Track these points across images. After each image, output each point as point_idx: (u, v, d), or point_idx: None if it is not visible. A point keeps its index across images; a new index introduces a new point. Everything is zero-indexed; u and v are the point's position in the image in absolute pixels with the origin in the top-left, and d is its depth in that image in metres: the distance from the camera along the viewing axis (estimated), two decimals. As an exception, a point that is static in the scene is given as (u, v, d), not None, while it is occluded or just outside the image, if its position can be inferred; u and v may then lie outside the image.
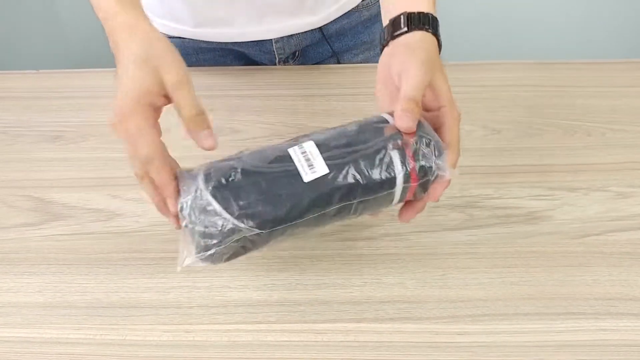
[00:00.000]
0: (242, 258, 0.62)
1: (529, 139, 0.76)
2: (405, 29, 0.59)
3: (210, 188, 0.51)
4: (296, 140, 0.55)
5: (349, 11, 0.87)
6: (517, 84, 0.84)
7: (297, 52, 0.90)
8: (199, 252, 0.52)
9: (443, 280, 0.61)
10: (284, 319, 0.58)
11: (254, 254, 0.55)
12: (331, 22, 0.87)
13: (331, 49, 0.90)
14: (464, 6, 1.87)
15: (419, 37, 0.58)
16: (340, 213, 0.54)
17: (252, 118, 0.80)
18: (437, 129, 0.57)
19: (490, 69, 0.86)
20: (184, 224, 0.52)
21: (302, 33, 0.86)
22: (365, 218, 0.66)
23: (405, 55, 0.57)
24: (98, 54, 1.95)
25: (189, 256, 0.52)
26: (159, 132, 0.54)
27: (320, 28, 0.87)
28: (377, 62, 0.62)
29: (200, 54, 0.88)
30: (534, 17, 1.95)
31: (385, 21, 0.62)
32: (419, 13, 0.59)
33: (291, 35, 0.86)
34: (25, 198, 0.71)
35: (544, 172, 0.72)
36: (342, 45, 0.90)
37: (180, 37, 0.87)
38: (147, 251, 0.65)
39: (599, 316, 0.58)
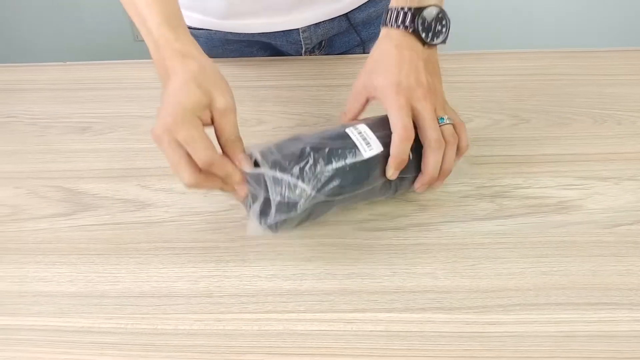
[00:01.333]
0: (271, 248, 0.63)
1: (558, 128, 0.75)
2: (386, 24, 0.65)
3: (286, 165, 0.58)
4: (344, 126, 0.62)
5: None
6: (546, 73, 0.83)
7: (323, 42, 0.89)
8: (275, 219, 0.58)
9: (474, 270, 0.61)
10: (313, 308, 0.58)
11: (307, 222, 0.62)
12: (358, 9, 0.86)
13: (359, 37, 0.89)
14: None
15: (386, 42, 0.65)
16: (383, 187, 0.62)
17: (278, 109, 0.80)
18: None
19: (519, 58, 0.85)
20: (261, 195, 0.58)
21: (329, 21, 0.86)
22: (391, 207, 0.67)
23: (372, 75, 0.64)
24: (123, 46, 1.97)
25: (264, 222, 0.59)
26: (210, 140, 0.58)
27: (347, 16, 0.86)
28: None
29: (226, 45, 0.88)
30: (563, 4, 1.93)
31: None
32: (396, 9, 0.64)
33: (318, 24, 0.85)
34: (56, 189, 0.71)
35: (574, 162, 0.71)
36: (369, 34, 0.90)
37: (207, 29, 0.87)
38: (177, 241, 0.65)
39: (633, 307, 0.58)
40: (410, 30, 0.63)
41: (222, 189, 0.59)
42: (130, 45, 1.93)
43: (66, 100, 0.83)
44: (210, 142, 0.57)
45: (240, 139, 0.60)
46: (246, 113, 0.79)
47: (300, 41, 0.87)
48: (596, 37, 1.95)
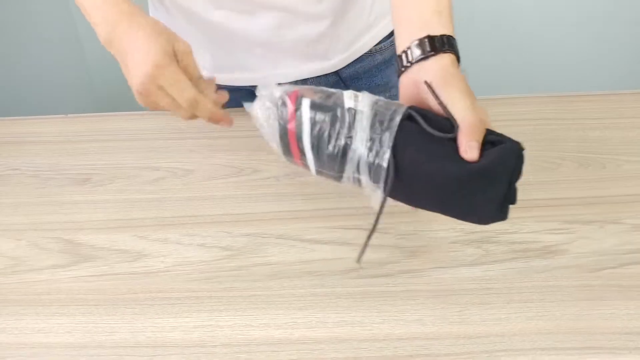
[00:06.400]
0: (263, 297, 0.64)
1: (544, 173, 0.77)
2: (432, 52, 0.59)
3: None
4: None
5: (362, 55, 0.89)
6: (531, 118, 0.85)
7: None
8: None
9: (461, 317, 0.62)
10: (305, 357, 0.60)
11: None
12: (345, 66, 0.89)
13: (348, 89, 0.92)
14: (480, 39, 1.89)
15: (448, 62, 0.59)
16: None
17: (272, 157, 0.82)
18: None
19: (504, 104, 0.88)
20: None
21: (316, 77, 0.89)
22: (382, 255, 0.68)
23: (448, 87, 0.57)
24: (123, 98, 2.01)
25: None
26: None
27: (336, 72, 0.89)
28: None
29: (220, 96, 0.91)
30: (546, 50, 1.96)
31: (405, 42, 0.61)
32: (442, 36, 0.60)
33: (306, 79, 0.88)
34: (56, 240, 0.73)
35: (559, 206, 0.73)
36: (357, 88, 0.92)
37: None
38: (172, 291, 0.67)
39: (616, 350, 0.59)
40: (453, 52, 0.60)
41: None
42: (133, 97, 1.97)
43: (67, 152, 0.86)
44: (190, 82, 0.62)
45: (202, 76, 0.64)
46: (242, 162, 0.82)
47: None
48: (585, 80, 1.97)
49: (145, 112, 0.93)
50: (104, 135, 0.88)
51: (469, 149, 0.53)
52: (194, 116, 0.66)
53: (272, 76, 0.87)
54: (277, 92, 0.59)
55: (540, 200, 0.74)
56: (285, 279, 0.67)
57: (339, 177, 0.59)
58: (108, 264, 0.70)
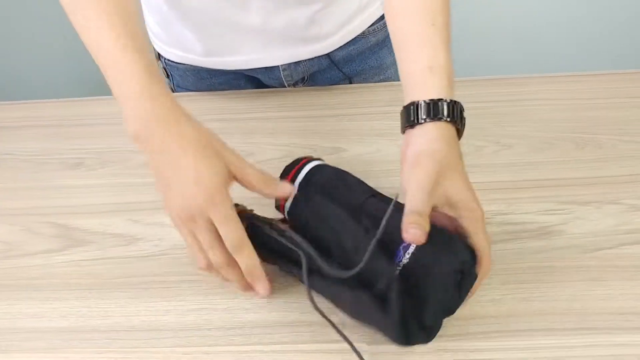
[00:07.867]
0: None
1: (539, 154, 0.77)
2: (420, 121, 0.55)
3: None
4: None
5: (355, 37, 0.88)
6: (527, 98, 0.84)
7: (305, 77, 0.91)
8: None
9: (455, 298, 0.62)
10: (297, 339, 0.60)
11: None
12: (338, 48, 0.88)
13: (342, 72, 0.91)
14: (473, 20, 1.87)
15: (432, 136, 0.54)
16: None
17: (266, 140, 0.81)
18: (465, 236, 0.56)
19: (500, 84, 0.87)
20: None
21: (308, 60, 0.87)
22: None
23: (413, 166, 0.53)
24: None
25: None
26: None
27: (328, 55, 0.88)
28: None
29: (213, 78, 0.91)
30: (543, 30, 1.95)
31: (405, 100, 0.57)
32: (431, 101, 0.54)
33: (298, 62, 0.87)
34: (49, 225, 0.73)
35: (555, 187, 0.72)
36: (351, 70, 0.91)
37: (190, 65, 0.89)
38: (166, 274, 0.66)
39: (612, 331, 0.59)
40: (448, 120, 0.55)
41: (239, 283, 0.59)
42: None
43: (60, 137, 0.85)
44: (240, 223, 0.54)
45: (271, 176, 0.57)
46: (236, 145, 0.80)
47: (282, 77, 0.89)
48: (581, 61, 1.97)
49: (138, 95, 0.92)
50: (97, 119, 0.88)
51: (410, 229, 0.51)
52: (229, 264, 0.56)
53: (263, 59, 0.86)
54: None
55: (536, 181, 0.73)
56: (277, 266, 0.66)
57: None
58: (102, 248, 0.70)
